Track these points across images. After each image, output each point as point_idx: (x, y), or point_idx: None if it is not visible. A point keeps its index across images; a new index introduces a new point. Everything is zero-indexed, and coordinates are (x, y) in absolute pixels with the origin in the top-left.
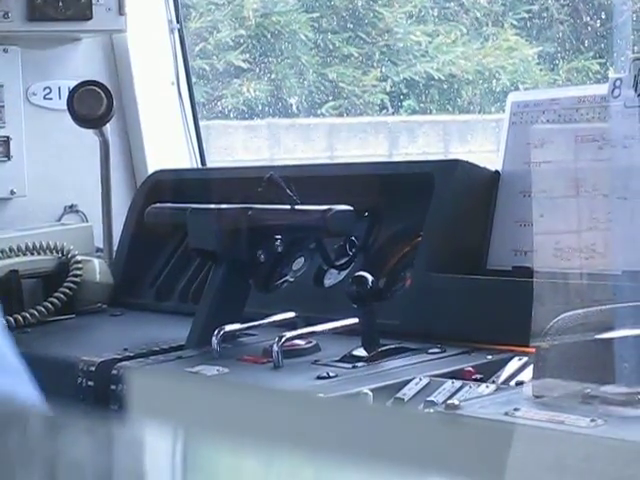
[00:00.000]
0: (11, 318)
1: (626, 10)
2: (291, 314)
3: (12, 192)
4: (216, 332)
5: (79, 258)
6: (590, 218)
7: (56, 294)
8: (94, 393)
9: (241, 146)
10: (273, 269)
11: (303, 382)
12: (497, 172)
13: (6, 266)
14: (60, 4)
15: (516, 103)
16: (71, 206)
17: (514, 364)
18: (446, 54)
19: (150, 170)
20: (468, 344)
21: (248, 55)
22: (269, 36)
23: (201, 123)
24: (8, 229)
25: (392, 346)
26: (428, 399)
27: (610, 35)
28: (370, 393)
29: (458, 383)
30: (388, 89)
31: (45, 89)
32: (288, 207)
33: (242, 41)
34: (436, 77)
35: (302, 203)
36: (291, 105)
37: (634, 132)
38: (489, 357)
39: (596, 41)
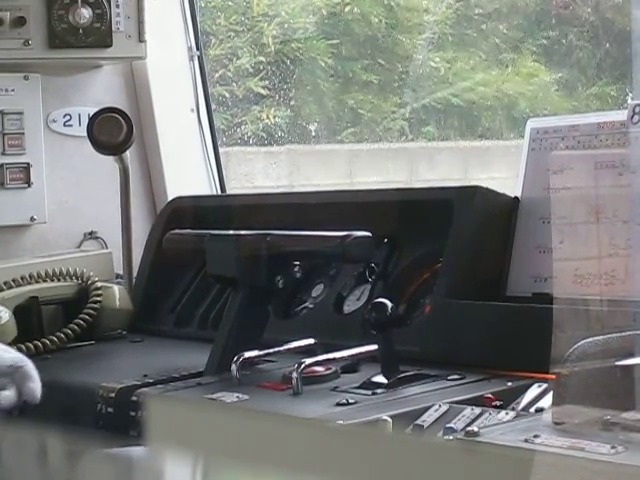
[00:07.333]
0: (31, 344)
1: None
2: (310, 341)
3: (32, 219)
4: (235, 359)
5: (99, 284)
6: (610, 244)
7: (76, 320)
8: (114, 419)
9: (261, 172)
10: (292, 295)
11: (322, 409)
12: (516, 198)
13: (26, 292)
14: (80, 32)
15: (535, 129)
16: (91, 233)
17: (534, 391)
18: (465, 80)
19: (170, 197)
20: (488, 371)
21: (267, 82)
22: (288, 63)
23: (221, 150)
24: (28, 255)
25: (411, 373)
26: (448, 426)
27: (629, 61)
28: (389, 420)
29: (478, 410)
30: (407, 115)
31: (65, 116)
32: (306, 233)
33: (262, 68)
34: (455, 103)
35: (321, 229)
36: (311, 131)
37: None
38: (509, 384)
39: (615, 67)
